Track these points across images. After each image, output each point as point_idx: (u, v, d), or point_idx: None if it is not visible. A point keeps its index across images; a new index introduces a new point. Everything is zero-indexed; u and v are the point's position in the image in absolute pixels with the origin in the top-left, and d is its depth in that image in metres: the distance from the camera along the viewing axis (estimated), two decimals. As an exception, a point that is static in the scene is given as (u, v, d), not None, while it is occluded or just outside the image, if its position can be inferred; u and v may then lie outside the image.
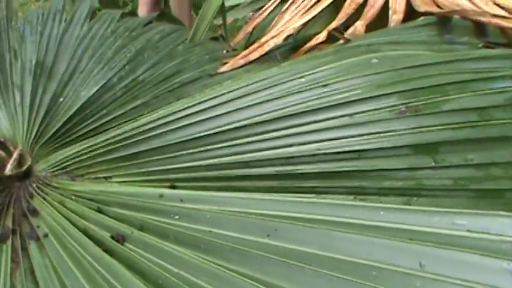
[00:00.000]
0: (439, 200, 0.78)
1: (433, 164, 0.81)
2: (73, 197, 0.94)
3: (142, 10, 3.33)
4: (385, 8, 1.47)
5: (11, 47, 1.40)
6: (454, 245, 0.66)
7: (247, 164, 0.87)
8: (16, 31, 1.46)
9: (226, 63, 1.37)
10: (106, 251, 0.79)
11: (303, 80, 0.98)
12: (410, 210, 0.75)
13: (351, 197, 0.80)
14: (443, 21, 1.21)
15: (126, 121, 1.14)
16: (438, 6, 1.40)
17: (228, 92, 1.01)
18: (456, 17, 1.21)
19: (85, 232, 0.84)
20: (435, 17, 1.23)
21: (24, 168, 1.06)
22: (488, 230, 0.67)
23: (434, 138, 0.83)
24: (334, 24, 1.42)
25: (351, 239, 0.70)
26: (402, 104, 0.88)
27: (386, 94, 0.90)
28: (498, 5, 1.34)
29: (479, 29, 1.19)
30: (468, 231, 0.67)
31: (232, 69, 1.34)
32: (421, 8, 1.37)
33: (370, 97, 0.90)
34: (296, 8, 1.58)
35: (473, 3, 1.37)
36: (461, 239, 0.67)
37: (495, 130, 0.83)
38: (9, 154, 1.09)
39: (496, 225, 0.67)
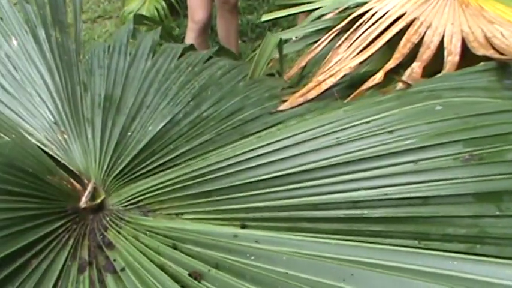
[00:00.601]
0: (502, 249, 0.79)
1: (497, 213, 0.83)
2: (147, 232, 0.97)
3: (190, 36, 3.42)
4: (440, 48, 1.50)
5: (81, 80, 1.45)
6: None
7: (315, 207, 0.90)
8: (84, 64, 1.52)
9: (285, 101, 1.41)
10: (183, 287, 0.82)
11: (368, 125, 1.01)
12: (474, 260, 0.77)
13: (416, 242, 0.83)
14: (503, 66, 1.23)
15: (193, 157, 1.18)
16: (495, 48, 1.42)
17: (296, 135, 1.04)
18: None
19: (162, 268, 0.87)
20: (494, 62, 1.25)
21: (98, 201, 1.11)
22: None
23: (498, 186, 0.85)
24: (390, 64, 1.44)
25: (423, 286, 0.73)
26: (466, 152, 0.90)
27: (450, 142, 0.93)
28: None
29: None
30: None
31: (291, 108, 1.37)
32: (479, 51, 1.40)
33: (435, 144, 0.93)
34: (350, 45, 1.62)
35: (531, 46, 1.40)
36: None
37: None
38: (84, 187, 1.14)
39: None
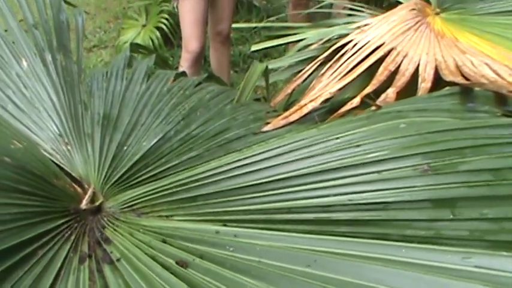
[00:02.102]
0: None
1: (451, 217, 0.93)
2: (140, 230, 1.09)
3: (184, 65, 3.52)
4: (414, 75, 1.61)
5: (82, 100, 1.57)
6: (462, 276, 0.79)
7: (289, 210, 1.01)
8: (85, 86, 1.64)
9: (268, 123, 1.51)
10: (172, 274, 0.93)
11: (338, 140, 1.12)
12: (427, 249, 0.88)
13: (378, 241, 0.94)
14: (467, 91, 1.34)
15: (183, 170, 1.29)
16: (464, 76, 1.53)
17: (274, 149, 1.15)
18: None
19: (153, 258, 0.98)
20: (459, 87, 1.36)
21: (97, 204, 1.23)
22: (492, 266, 0.80)
23: (452, 194, 0.96)
24: (367, 90, 1.55)
25: (379, 270, 0.83)
26: (425, 163, 1.01)
27: (411, 155, 1.04)
28: (521, 76, 1.48)
29: (500, 99, 1.32)
30: (475, 266, 0.80)
31: (274, 129, 1.48)
32: (448, 78, 1.51)
33: (397, 157, 1.04)
34: (332, 73, 1.72)
35: (497, 74, 1.50)
36: (469, 273, 0.80)
37: (508, 189, 0.95)
38: (84, 191, 1.26)
39: (498, 262, 0.80)
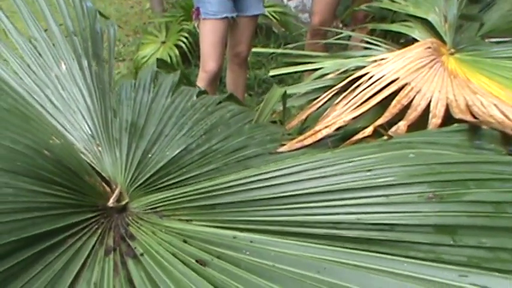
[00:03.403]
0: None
1: (451, 243, 1.01)
2: (163, 230, 1.16)
3: (200, 85, 3.58)
4: (426, 110, 1.68)
5: (112, 106, 1.66)
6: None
7: (301, 224, 1.08)
8: (115, 95, 1.73)
9: (284, 144, 1.58)
10: (192, 270, 1.00)
11: (351, 164, 1.19)
12: (427, 265, 0.95)
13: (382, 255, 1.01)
14: (475, 129, 1.41)
15: (203, 180, 1.37)
16: (473, 114, 1.60)
17: (289, 167, 1.23)
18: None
19: (174, 255, 1.06)
20: (468, 124, 1.44)
21: (123, 203, 1.31)
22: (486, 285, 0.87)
23: (453, 221, 1.03)
24: (380, 121, 1.62)
25: (382, 281, 0.91)
26: (430, 191, 1.09)
27: (418, 182, 1.11)
28: (526, 119, 1.55)
29: (505, 138, 1.39)
30: (471, 284, 0.87)
31: (289, 151, 1.55)
32: (457, 115, 1.58)
33: (405, 183, 1.11)
34: (347, 103, 1.79)
35: (505, 115, 1.57)
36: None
37: (507, 221, 1.03)
38: (112, 190, 1.35)
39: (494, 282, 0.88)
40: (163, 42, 5.47)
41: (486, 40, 2.70)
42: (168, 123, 1.61)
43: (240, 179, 1.23)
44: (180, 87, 1.84)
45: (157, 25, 5.82)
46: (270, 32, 5.84)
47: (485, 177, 1.13)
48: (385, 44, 2.37)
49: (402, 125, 1.60)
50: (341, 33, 2.88)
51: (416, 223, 1.04)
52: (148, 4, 7.24)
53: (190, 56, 5.32)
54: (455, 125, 1.44)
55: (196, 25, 3.73)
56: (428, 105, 1.70)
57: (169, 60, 5.11)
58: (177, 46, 5.31)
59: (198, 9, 3.63)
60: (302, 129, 1.86)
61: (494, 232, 1.02)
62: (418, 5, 2.58)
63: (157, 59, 2.05)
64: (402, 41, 2.49)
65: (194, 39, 5.20)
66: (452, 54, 2.13)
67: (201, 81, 3.64)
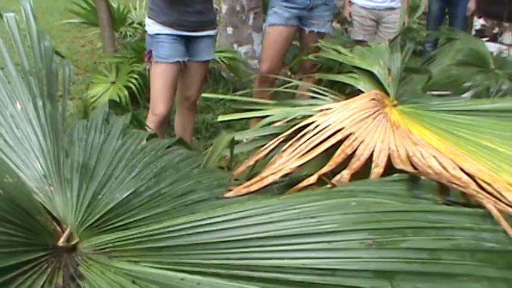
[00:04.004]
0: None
1: (389, 287, 1.06)
2: (112, 270, 1.19)
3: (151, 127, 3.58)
4: (369, 160, 1.74)
5: (64, 147, 1.67)
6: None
7: (248, 268, 1.13)
8: (67, 135, 1.75)
9: (231, 190, 1.62)
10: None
11: (296, 210, 1.25)
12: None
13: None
14: (414, 179, 1.48)
15: (151, 222, 1.39)
16: (413, 165, 1.67)
17: (236, 212, 1.27)
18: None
19: (123, 295, 1.09)
20: (408, 174, 1.50)
21: (73, 243, 1.33)
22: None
23: (392, 267, 1.10)
24: (324, 169, 1.67)
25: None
26: (370, 238, 1.15)
27: (359, 229, 1.17)
28: (463, 170, 1.62)
29: (442, 188, 1.46)
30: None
31: (235, 196, 1.59)
32: (398, 166, 1.64)
33: (346, 230, 1.17)
34: (293, 151, 1.84)
35: (443, 166, 1.65)
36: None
37: (441, 267, 1.09)
38: (62, 230, 1.37)
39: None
40: (113, 83, 5.49)
41: (427, 93, 2.81)
42: (118, 165, 1.63)
43: (188, 222, 1.27)
44: (131, 129, 1.87)
45: (108, 65, 5.83)
46: (220, 77, 5.92)
47: (422, 226, 1.20)
48: (331, 93, 2.44)
49: (346, 173, 1.65)
50: (289, 81, 2.95)
51: (357, 268, 1.10)
52: (99, 44, 7.26)
53: (139, 97, 5.35)
54: (396, 175, 1.50)
55: (148, 68, 3.77)
56: (371, 155, 1.76)
57: (118, 101, 5.12)
58: (127, 87, 5.33)
59: (150, 52, 3.69)
60: (250, 175, 1.90)
61: (429, 277, 1.09)
62: (364, 58, 2.68)
63: (109, 100, 2.08)
64: (348, 91, 2.57)
65: (144, 81, 5.24)
66: (395, 105, 2.21)
67: (150, 124, 3.64)
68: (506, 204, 1.38)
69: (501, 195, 1.43)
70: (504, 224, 1.22)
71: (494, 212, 1.26)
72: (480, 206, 1.31)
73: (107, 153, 1.68)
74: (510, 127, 1.92)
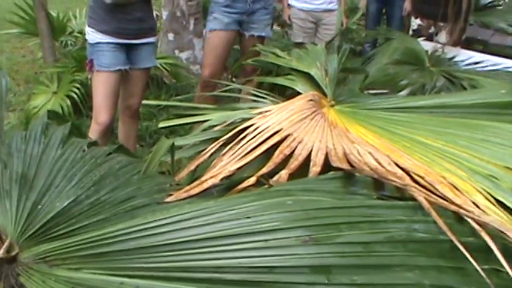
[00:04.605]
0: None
1: (326, 281, 1.10)
2: (52, 278, 1.20)
3: (93, 136, 3.56)
4: (307, 159, 1.77)
5: (2, 158, 1.67)
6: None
7: (186, 269, 1.16)
8: (5, 147, 1.74)
9: (171, 195, 1.63)
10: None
11: (232, 211, 1.28)
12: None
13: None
14: (350, 176, 1.52)
15: (92, 229, 1.40)
16: (350, 162, 1.71)
17: (174, 216, 1.30)
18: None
19: (64, 302, 1.10)
20: (343, 171, 1.54)
21: (13, 254, 1.33)
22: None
23: (328, 262, 1.13)
24: (263, 170, 1.70)
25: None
26: (306, 235, 1.18)
27: (294, 227, 1.21)
28: (398, 165, 1.66)
29: (377, 184, 1.50)
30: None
31: (176, 200, 1.60)
32: (335, 164, 1.68)
33: (282, 228, 1.21)
34: (233, 153, 1.86)
35: (379, 162, 1.69)
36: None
37: (375, 259, 1.14)
38: (2, 241, 1.38)
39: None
40: (55, 93, 5.43)
41: (366, 92, 2.87)
42: (58, 174, 1.64)
43: (127, 228, 1.29)
44: (71, 138, 1.87)
45: (49, 75, 5.76)
46: (162, 83, 5.91)
47: (357, 220, 1.24)
48: (271, 96, 2.47)
49: (284, 173, 1.68)
50: (229, 85, 2.98)
51: (293, 265, 1.14)
52: (40, 54, 7.16)
53: (82, 106, 5.31)
54: (332, 172, 1.54)
55: (89, 77, 3.74)
56: (309, 154, 1.79)
57: (60, 111, 5.07)
58: (69, 97, 5.28)
59: (91, 61, 3.66)
60: (192, 179, 1.91)
61: (364, 270, 1.13)
62: (301, 60, 2.73)
63: (48, 111, 2.07)
64: (288, 93, 2.60)
65: (86, 90, 5.20)
66: (332, 106, 2.26)
67: (94, 133, 3.64)
68: (438, 196, 1.43)
69: (433, 187, 1.48)
70: (434, 214, 1.27)
71: (425, 203, 1.32)
72: (413, 198, 1.36)
73: (46, 163, 1.69)
74: (442, 122, 1.98)
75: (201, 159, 1.94)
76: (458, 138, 1.82)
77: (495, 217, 1.37)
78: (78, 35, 7.08)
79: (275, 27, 7.44)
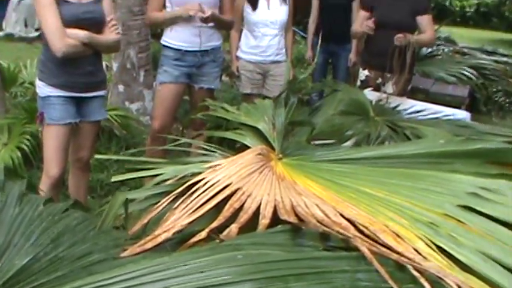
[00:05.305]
0: None
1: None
2: None
3: (43, 189, 3.53)
4: (256, 212, 1.84)
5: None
6: None
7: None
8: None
9: (126, 249, 1.68)
10: None
11: (186, 267, 1.34)
12: None
13: None
14: (297, 228, 1.60)
15: (51, 287, 1.44)
16: (297, 215, 1.79)
17: (131, 272, 1.35)
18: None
19: None
20: (291, 225, 1.62)
21: None
22: None
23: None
24: (214, 224, 1.76)
25: None
26: (256, 288, 1.25)
27: (244, 280, 1.28)
28: (343, 216, 1.74)
29: (324, 235, 1.58)
30: None
31: (131, 255, 1.65)
32: (283, 216, 1.76)
33: (232, 282, 1.28)
34: (184, 207, 1.92)
35: (325, 214, 1.77)
36: None
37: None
38: None
39: None
40: (5, 144, 5.39)
41: (313, 143, 2.97)
42: (16, 232, 1.68)
43: (86, 284, 1.34)
44: (28, 195, 1.91)
45: (-1, 126, 5.72)
46: (112, 135, 5.92)
47: (303, 272, 1.32)
48: (220, 150, 2.55)
49: (234, 227, 1.74)
50: (180, 139, 3.04)
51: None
52: (-10, 103, 7.10)
53: (32, 158, 5.27)
54: (280, 226, 1.62)
55: (40, 130, 3.75)
56: (259, 207, 1.86)
57: (11, 163, 5.04)
58: (19, 148, 5.25)
59: (42, 114, 3.68)
60: (144, 233, 1.96)
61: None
62: (250, 115, 2.82)
63: (5, 168, 2.12)
64: (238, 145, 2.68)
65: (37, 141, 5.16)
66: (280, 159, 2.34)
67: (44, 185, 3.64)
68: (381, 245, 1.51)
69: (377, 236, 1.56)
70: (375, 264, 1.36)
71: (367, 253, 1.40)
72: (357, 249, 1.44)
73: (4, 222, 1.73)
74: (385, 173, 2.07)
75: (153, 213, 1.99)
76: (400, 188, 1.91)
77: (434, 263, 1.46)
78: (29, 85, 7.03)
79: (224, 77, 7.53)
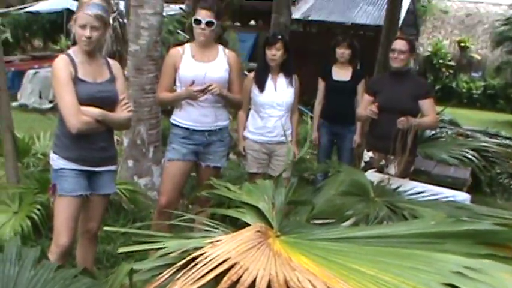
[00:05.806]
0: None
1: None
2: None
3: (52, 258, 3.57)
4: (252, 285, 1.96)
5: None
6: None
7: None
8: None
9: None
10: None
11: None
12: None
13: None
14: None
15: None
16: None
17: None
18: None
19: None
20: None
21: None
22: None
23: None
24: (211, 296, 1.89)
25: None
26: None
27: None
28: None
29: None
30: None
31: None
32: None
33: None
34: (186, 279, 2.04)
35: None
36: None
37: None
38: None
39: None
40: (16, 213, 5.50)
41: (313, 222, 3.09)
42: (32, 293, 1.82)
43: None
44: (42, 260, 2.06)
45: (11, 195, 5.83)
46: (120, 208, 6.03)
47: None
48: (222, 226, 2.68)
49: (230, 299, 1.87)
50: (183, 215, 3.17)
51: None
52: (2, 172, 7.22)
53: (42, 227, 5.37)
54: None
55: (52, 200, 3.88)
56: (254, 281, 1.98)
57: (20, 230, 5.15)
58: (29, 217, 5.35)
59: (54, 185, 3.83)
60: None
61: None
62: (251, 194, 2.96)
63: (20, 235, 2.27)
64: (240, 222, 2.80)
65: (47, 211, 5.27)
66: (278, 236, 2.47)
67: (53, 255, 3.73)
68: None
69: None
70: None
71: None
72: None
73: (21, 283, 1.86)
74: (377, 252, 2.19)
75: (157, 283, 2.11)
76: (390, 266, 2.02)
77: None
78: (41, 156, 7.19)
79: (231, 155, 7.66)
